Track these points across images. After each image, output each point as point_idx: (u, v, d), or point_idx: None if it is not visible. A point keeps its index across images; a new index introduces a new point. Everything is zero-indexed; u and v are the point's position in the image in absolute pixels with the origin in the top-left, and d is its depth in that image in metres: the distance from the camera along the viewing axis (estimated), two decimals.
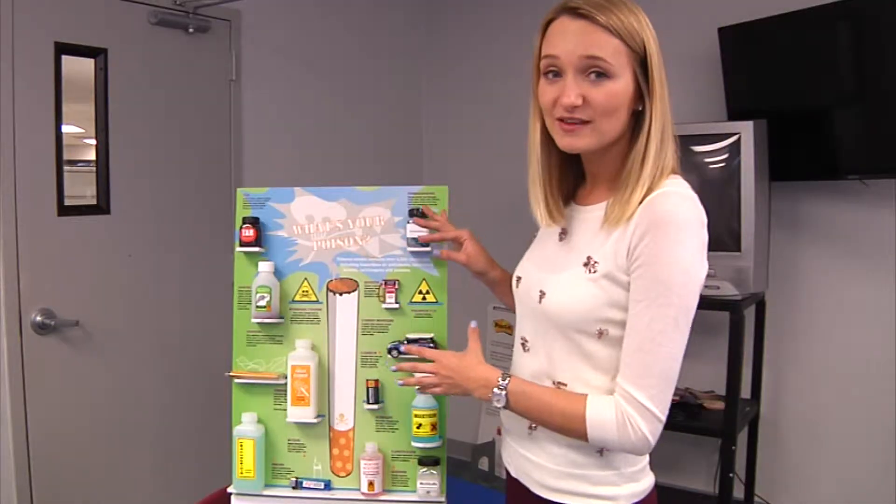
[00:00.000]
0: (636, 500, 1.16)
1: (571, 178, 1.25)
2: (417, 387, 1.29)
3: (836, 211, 2.64)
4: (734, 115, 2.62)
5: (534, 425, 1.20)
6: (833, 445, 2.68)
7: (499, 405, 1.17)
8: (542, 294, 1.18)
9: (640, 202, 1.08)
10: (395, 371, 1.43)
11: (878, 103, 2.34)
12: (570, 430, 1.11)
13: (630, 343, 1.07)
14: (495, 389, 1.16)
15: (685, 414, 2.61)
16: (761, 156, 2.47)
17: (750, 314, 2.68)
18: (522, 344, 1.24)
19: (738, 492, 2.67)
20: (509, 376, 1.17)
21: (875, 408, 2.57)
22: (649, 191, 1.09)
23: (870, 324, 2.59)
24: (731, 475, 2.42)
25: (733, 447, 2.43)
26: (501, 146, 3.33)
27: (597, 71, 1.08)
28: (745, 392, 2.67)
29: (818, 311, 2.71)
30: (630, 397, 1.06)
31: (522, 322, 1.25)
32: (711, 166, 2.52)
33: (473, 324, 1.31)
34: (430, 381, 1.26)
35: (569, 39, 1.09)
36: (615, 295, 1.09)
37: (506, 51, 3.32)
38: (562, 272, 1.17)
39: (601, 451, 1.16)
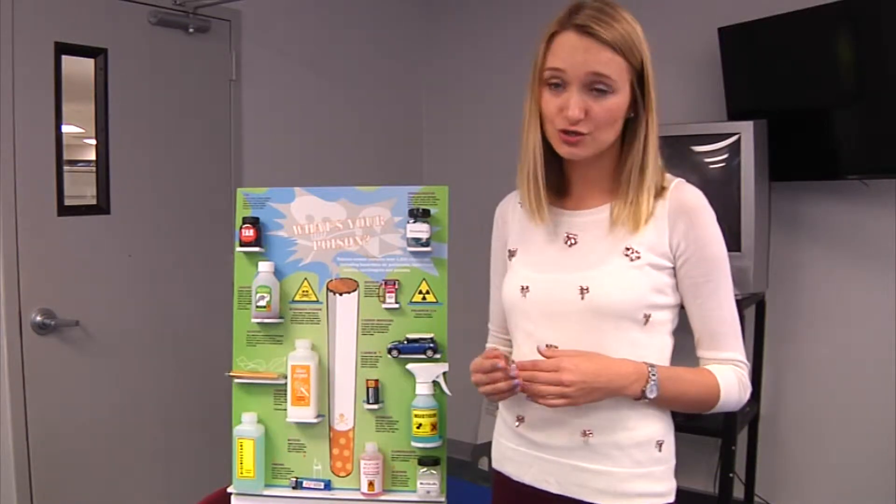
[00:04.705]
0: (674, 493, 1.22)
1: (556, 183, 1.27)
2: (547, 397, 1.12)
3: (836, 211, 2.64)
4: (734, 115, 2.62)
5: (589, 431, 1.17)
6: (833, 445, 2.68)
7: (651, 396, 1.13)
8: (585, 290, 1.17)
9: (650, 205, 1.18)
10: (516, 384, 1.14)
11: (878, 103, 2.34)
12: (705, 402, 1.19)
13: (717, 316, 1.19)
14: (650, 379, 1.13)
15: (685, 414, 2.59)
16: (761, 156, 2.47)
17: (750, 314, 2.69)
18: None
19: (738, 492, 2.67)
20: (649, 363, 1.15)
21: (875, 408, 2.57)
22: (659, 189, 1.19)
23: (870, 324, 2.59)
24: (731, 475, 2.42)
25: (733, 447, 2.43)
26: (501, 146, 3.32)
27: (600, 87, 1.14)
28: None
29: (818, 311, 2.71)
30: (738, 361, 1.20)
31: (546, 328, 1.21)
32: (711, 166, 2.52)
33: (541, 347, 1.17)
34: (555, 391, 1.10)
35: (575, 56, 1.14)
36: (658, 280, 1.18)
37: (506, 51, 3.32)
38: (599, 267, 1.18)
39: (660, 447, 1.19)
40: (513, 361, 1.19)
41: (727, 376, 1.18)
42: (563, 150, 1.19)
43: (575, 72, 1.13)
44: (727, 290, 1.20)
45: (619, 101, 1.15)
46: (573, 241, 1.23)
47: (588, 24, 1.12)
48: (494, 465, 1.33)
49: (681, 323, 1.24)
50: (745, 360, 1.21)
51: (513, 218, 1.34)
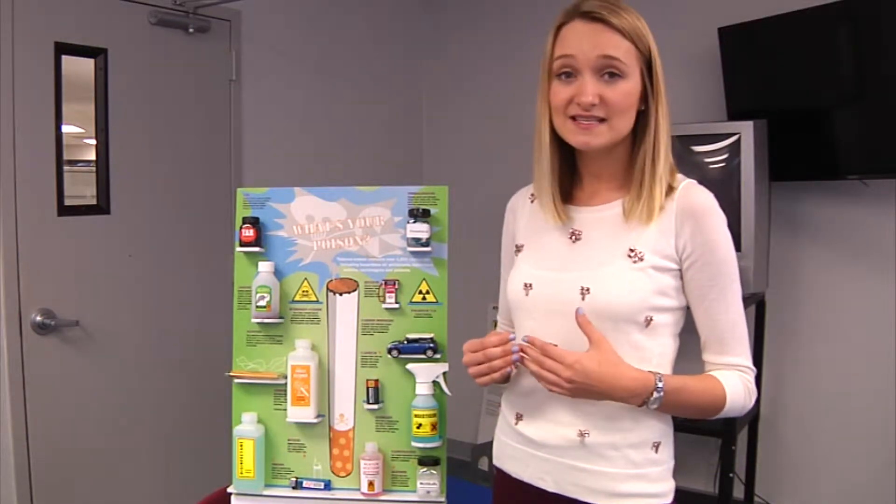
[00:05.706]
0: (673, 494, 1.21)
1: (567, 180, 1.26)
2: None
3: (836, 211, 2.64)
4: (734, 115, 2.62)
5: (586, 432, 1.17)
6: (833, 445, 2.68)
7: (653, 408, 1.13)
8: (586, 290, 1.17)
9: (663, 197, 1.16)
10: (517, 360, 1.16)
11: (878, 103, 2.34)
12: (710, 410, 1.18)
13: (723, 321, 1.18)
14: (655, 393, 1.12)
15: None
16: (761, 156, 2.47)
17: (750, 314, 2.68)
18: None
19: (738, 492, 2.67)
20: (659, 374, 1.13)
21: (875, 407, 2.57)
22: (669, 187, 1.18)
23: (870, 324, 2.59)
24: (731, 475, 2.42)
25: (733, 447, 2.43)
26: (501, 146, 3.33)
27: (611, 71, 1.14)
28: None
29: (818, 311, 2.71)
30: (744, 367, 1.19)
31: (548, 327, 1.20)
32: (711, 166, 2.52)
33: (581, 310, 1.15)
34: (552, 379, 1.11)
35: (585, 41, 1.15)
36: (661, 282, 1.17)
37: (506, 51, 3.32)
38: (601, 268, 1.17)
39: (656, 448, 1.18)
40: (513, 337, 1.18)
41: (733, 383, 1.17)
42: (577, 139, 1.17)
43: (585, 57, 1.14)
44: (734, 295, 1.18)
45: (631, 86, 1.15)
46: (577, 238, 1.23)
47: (595, 11, 1.14)
48: (495, 461, 1.33)
49: (688, 325, 1.23)
50: (752, 366, 1.20)
51: (522, 213, 1.33)
